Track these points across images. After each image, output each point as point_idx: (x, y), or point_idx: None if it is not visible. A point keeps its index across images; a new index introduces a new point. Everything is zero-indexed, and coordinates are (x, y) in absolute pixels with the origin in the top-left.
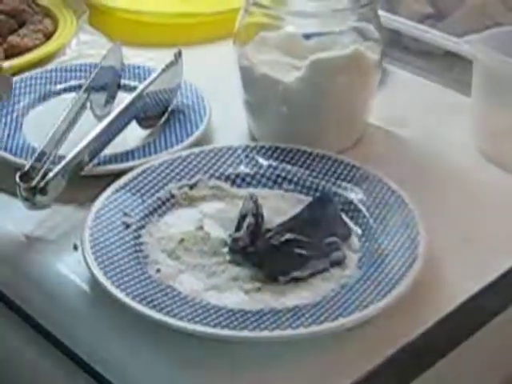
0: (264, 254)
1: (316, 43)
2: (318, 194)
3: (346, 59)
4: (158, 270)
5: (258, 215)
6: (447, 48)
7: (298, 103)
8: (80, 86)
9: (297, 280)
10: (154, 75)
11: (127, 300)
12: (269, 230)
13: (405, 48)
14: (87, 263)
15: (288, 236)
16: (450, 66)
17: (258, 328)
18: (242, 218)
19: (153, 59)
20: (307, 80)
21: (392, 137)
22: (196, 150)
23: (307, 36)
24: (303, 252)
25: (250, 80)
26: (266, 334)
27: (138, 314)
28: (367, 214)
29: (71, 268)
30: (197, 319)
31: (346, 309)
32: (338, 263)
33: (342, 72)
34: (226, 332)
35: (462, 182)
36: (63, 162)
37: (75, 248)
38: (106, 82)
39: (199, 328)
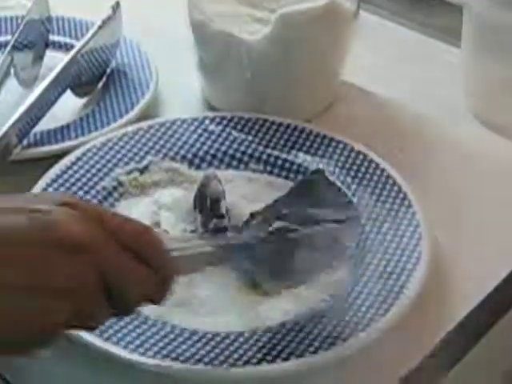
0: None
1: None
2: (308, 172)
3: (320, 11)
4: None
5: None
6: None
7: (264, 65)
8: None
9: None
10: (89, 32)
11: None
12: (252, 216)
13: None
14: None
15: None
16: (425, 10)
17: (254, 359)
18: (215, 201)
19: (83, 9)
20: (275, 37)
21: (368, 97)
22: (144, 124)
23: None
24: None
25: (205, 37)
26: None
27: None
28: (353, 199)
29: None
30: (167, 352)
31: (355, 326)
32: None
33: (316, 26)
34: (217, 371)
35: (452, 149)
36: None
37: None
38: (32, 40)
39: (169, 364)
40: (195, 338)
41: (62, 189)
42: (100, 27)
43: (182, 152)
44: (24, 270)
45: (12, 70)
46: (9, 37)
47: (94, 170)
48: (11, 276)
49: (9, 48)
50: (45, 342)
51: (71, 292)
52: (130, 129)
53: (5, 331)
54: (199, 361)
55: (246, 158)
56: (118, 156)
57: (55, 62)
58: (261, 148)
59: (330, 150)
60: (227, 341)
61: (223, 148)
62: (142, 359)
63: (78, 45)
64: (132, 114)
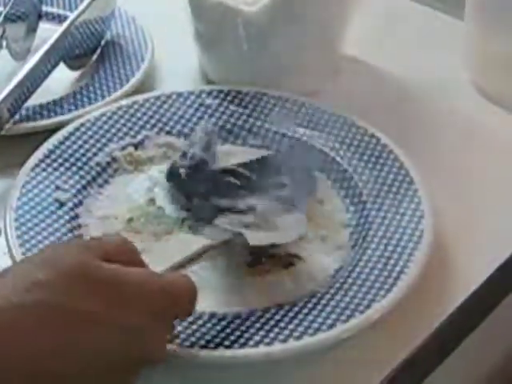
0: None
1: None
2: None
3: None
4: None
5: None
6: None
7: (261, 37)
8: None
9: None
10: (83, 4)
11: None
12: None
13: None
14: (13, 258)
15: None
16: None
17: (251, 341)
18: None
19: None
20: (274, 8)
21: (369, 70)
22: (139, 98)
23: None
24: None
25: (201, 8)
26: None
27: None
28: (355, 177)
29: None
30: None
31: (355, 308)
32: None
33: None
34: (213, 354)
35: (454, 122)
36: None
37: None
38: (24, 11)
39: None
40: (191, 318)
41: (54, 164)
42: None
43: (178, 126)
44: None
45: (4, 42)
46: (1, 8)
47: (87, 146)
48: None
49: (1, 19)
50: None
51: None
52: (124, 102)
53: None
54: (195, 343)
55: (243, 133)
56: (113, 130)
57: (48, 33)
58: (259, 122)
59: (330, 124)
60: (223, 322)
61: (220, 122)
62: None
63: (71, 16)
64: (127, 88)
